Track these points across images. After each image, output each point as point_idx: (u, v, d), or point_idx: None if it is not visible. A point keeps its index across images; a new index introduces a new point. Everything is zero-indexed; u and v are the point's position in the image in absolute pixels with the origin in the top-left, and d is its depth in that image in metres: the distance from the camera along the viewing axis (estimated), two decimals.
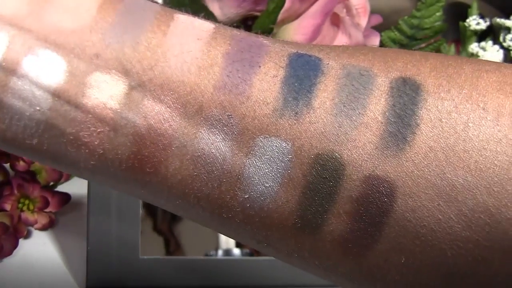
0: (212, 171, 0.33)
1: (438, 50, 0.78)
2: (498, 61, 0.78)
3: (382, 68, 0.34)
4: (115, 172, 0.34)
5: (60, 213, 0.76)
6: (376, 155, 0.32)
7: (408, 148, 0.32)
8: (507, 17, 0.80)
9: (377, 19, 0.76)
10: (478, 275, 0.33)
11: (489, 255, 0.33)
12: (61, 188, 0.77)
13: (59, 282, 0.68)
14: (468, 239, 0.33)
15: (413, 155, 0.32)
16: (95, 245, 0.65)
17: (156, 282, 0.67)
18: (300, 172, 0.33)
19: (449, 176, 0.32)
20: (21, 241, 0.71)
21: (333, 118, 0.33)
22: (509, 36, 0.79)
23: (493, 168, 0.32)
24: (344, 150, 0.33)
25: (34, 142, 0.33)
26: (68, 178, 0.79)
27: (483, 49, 0.78)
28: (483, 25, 0.80)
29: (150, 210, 0.79)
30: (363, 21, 0.74)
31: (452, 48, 0.80)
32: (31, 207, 0.73)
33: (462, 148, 0.32)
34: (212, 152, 0.33)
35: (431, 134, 0.32)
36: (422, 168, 0.32)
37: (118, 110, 0.33)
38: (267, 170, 0.33)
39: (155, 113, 0.33)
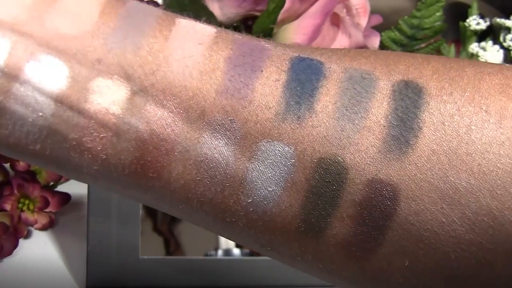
0: (215, 176, 0.33)
1: (438, 50, 0.78)
2: (498, 61, 0.78)
3: (384, 71, 0.34)
4: (118, 177, 0.34)
5: (60, 213, 0.76)
6: (379, 158, 0.32)
7: (411, 151, 0.32)
8: (507, 17, 0.80)
9: (377, 19, 0.76)
10: (481, 277, 0.33)
11: (493, 258, 0.33)
12: (61, 188, 0.77)
13: (59, 282, 0.68)
14: (472, 242, 0.33)
15: (416, 159, 0.32)
16: (95, 245, 0.65)
17: (156, 282, 0.67)
18: (303, 176, 0.33)
19: (452, 179, 0.32)
20: (21, 241, 0.71)
21: (336, 122, 0.33)
22: (509, 36, 0.79)
23: (496, 171, 0.32)
24: (347, 154, 0.33)
25: (37, 147, 0.33)
26: (68, 178, 0.79)
27: (483, 49, 0.78)
28: (483, 25, 0.80)
29: (150, 210, 0.79)
30: (363, 21, 0.74)
31: (452, 48, 0.80)
32: (31, 207, 0.73)
33: (465, 151, 0.32)
34: (215, 157, 0.33)
35: (433, 137, 0.32)
36: (425, 172, 0.32)
37: (121, 116, 0.33)
38: (270, 174, 0.33)
39: (158, 118, 0.33)
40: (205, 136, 0.33)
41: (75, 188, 0.77)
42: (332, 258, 0.35)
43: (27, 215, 0.73)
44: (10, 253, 0.69)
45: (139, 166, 0.33)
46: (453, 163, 0.32)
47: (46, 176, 0.76)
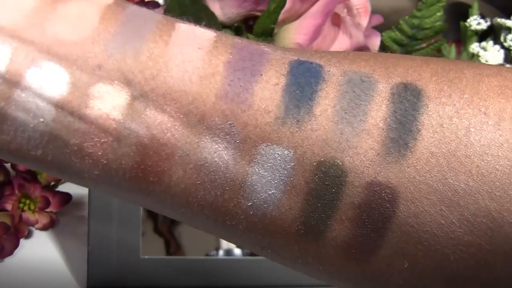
0: (215, 180, 0.33)
1: (438, 50, 0.78)
2: (499, 61, 0.78)
3: (383, 74, 0.34)
4: (119, 181, 0.34)
5: (61, 213, 0.76)
6: (377, 161, 0.33)
7: (410, 154, 0.32)
8: (508, 17, 0.80)
9: (378, 19, 0.76)
10: (481, 278, 0.33)
11: (492, 259, 0.33)
12: (62, 188, 0.77)
13: (60, 282, 0.68)
14: (471, 243, 0.33)
15: (414, 161, 0.32)
16: (96, 245, 0.65)
17: (157, 282, 0.67)
18: (303, 179, 0.33)
19: (451, 181, 0.32)
20: (22, 241, 0.71)
21: (335, 125, 0.33)
22: (509, 36, 0.79)
23: (495, 173, 0.32)
24: (346, 157, 0.33)
25: (39, 153, 0.33)
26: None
27: (484, 49, 0.78)
28: (484, 25, 0.80)
29: (151, 212, 0.79)
30: (364, 21, 0.74)
31: (453, 48, 0.80)
32: (32, 207, 0.73)
33: (463, 153, 0.32)
34: (215, 161, 0.33)
35: (432, 140, 0.32)
36: (424, 174, 0.32)
37: (121, 121, 0.33)
38: (269, 178, 0.33)
39: (158, 123, 0.33)
40: (205, 141, 0.33)
41: (76, 188, 0.76)
42: (332, 260, 0.35)
43: (28, 215, 0.73)
44: (11, 253, 0.69)
45: (139, 170, 0.33)
46: (451, 165, 0.32)
47: (47, 176, 0.75)
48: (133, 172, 0.34)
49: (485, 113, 0.33)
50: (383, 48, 0.77)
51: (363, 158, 0.33)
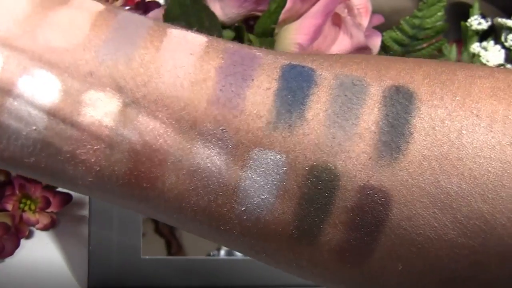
0: (208, 185, 0.33)
1: (439, 50, 0.78)
2: (500, 61, 0.78)
3: (375, 77, 0.34)
4: (112, 188, 0.34)
5: (62, 213, 0.76)
6: (370, 165, 0.33)
7: (402, 157, 0.32)
8: (509, 17, 0.80)
9: (379, 19, 0.76)
10: (479, 279, 0.33)
11: (486, 260, 0.33)
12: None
13: (60, 282, 0.68)
14: (464, 245, 0.33)
15: (407, 164, 0.32)
16: (97, 245, 0.65)
17: (157, 282, 0.67)
18: (295, 183, 0.33)
19: (444, 184, 0.32)
20: (22, 241, 0.71)
21: (327, 130, 0.33)
22: (510, 36, 0.79)
23: (487, 175, 0.32)
24: (338, 161, 0.33)
25: (32, 160, 0.33)
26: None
27: (485, 49, 0.78)
28: (484, 25, 0.80)
29: None
30: (365, 21, 0.73)
31: (454, 48, 0.80)
32: (33, 207, 0.74)
33: (456, 155, 0.32)
34: (207, 166, 0.33)
35: (424, 143, 0.32)
36: (416, 177, 0.32)
37: (114, 127, 0.33)
38: (262, 183, 0.33)
39: (150, 129, 0.33)
40: (198, 146, 0.33)
41: None
42: (326, 264, 0.35)
43: (29, 215, 0.73)
44: (11, 253, 0.69)
45: (132, 177, 0.34)
46: (444, 168, 0.32)
47: None
48: (126, 179, 0.34)
49: (477, 115, 0.33)
50: (384, 48, 0.77)
51: (356, 162, 0.33)
